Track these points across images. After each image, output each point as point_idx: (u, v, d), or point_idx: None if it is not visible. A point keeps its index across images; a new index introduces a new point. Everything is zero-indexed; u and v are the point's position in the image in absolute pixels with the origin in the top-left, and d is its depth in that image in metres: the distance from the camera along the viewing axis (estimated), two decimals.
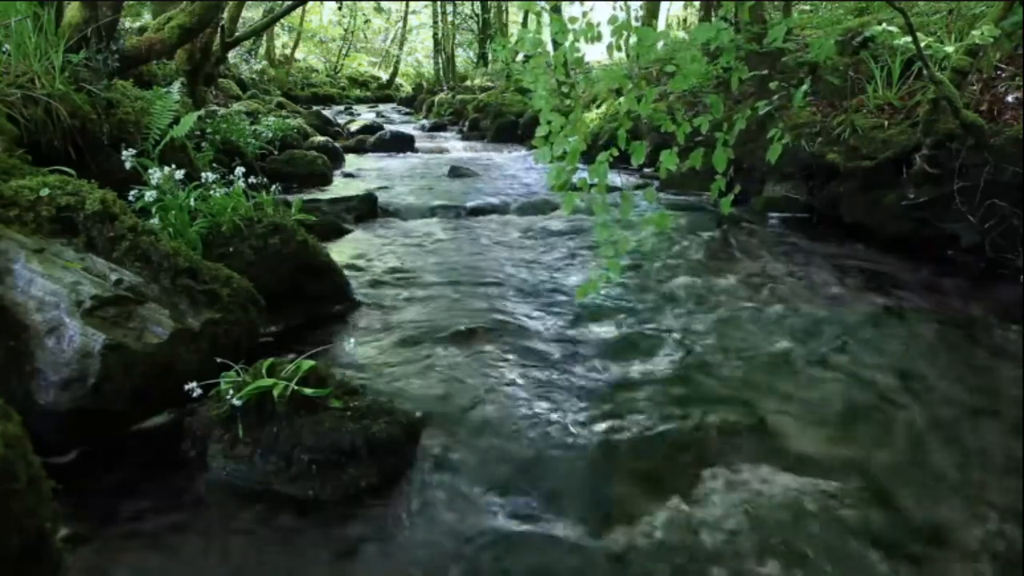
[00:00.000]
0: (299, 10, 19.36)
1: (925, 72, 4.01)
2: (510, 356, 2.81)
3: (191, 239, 2.86)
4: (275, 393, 1.98)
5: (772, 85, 2.65)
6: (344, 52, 27.10)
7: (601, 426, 2.28)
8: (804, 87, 2.42)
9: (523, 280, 3.88)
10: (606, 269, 2.30)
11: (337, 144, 8.76)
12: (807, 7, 9.23)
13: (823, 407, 2.42)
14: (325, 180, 6.75)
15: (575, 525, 1.79)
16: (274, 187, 3.59)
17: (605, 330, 3.10)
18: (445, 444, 2.15)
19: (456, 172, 7.64)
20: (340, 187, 6.58)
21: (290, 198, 4.22)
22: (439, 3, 21.29)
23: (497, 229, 5.21)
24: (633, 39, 2.18)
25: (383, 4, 27.30)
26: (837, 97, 5.37)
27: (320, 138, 8.46)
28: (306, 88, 20.07)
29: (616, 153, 2.29)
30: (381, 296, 3.54)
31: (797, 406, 2.43)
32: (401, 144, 10.16)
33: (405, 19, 26.85)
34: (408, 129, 12.04)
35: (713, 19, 7.81)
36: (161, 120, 3.70)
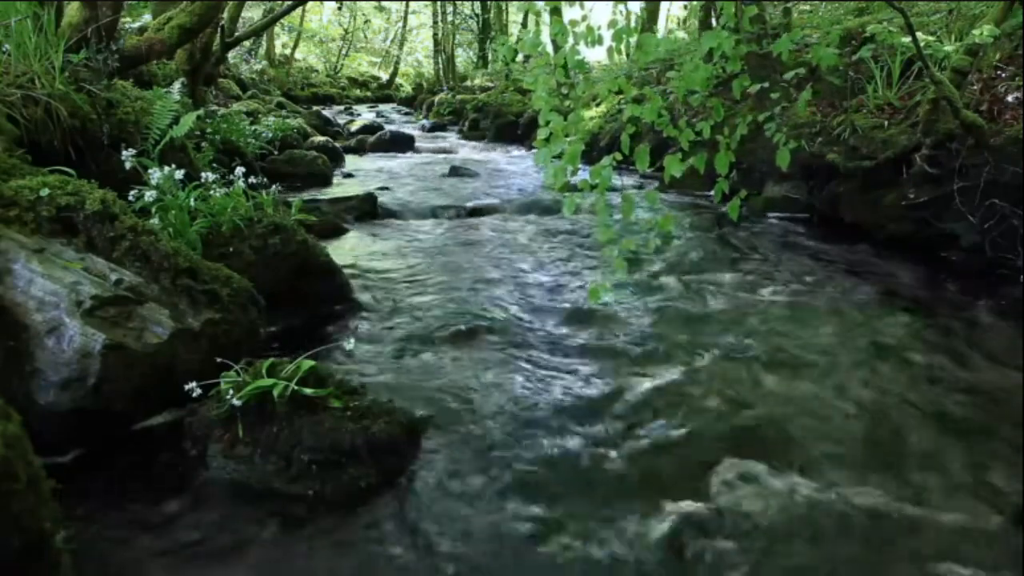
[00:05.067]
0: (299, 10, 19.37)
1: (925, 72, 4.01)
2: (511, 356, 2.81)
3: (191, 239, 2.86)
4: (275, 393, 1.98)
5: (773, 95, 2.66)
6: (344, 52, 27.11)
7: (603, 426, 2.28)
8: (806, 94, 2.42)
9: (523, 280, 3.88)
10: (613, 271, 2.30)
11: (337, 144, 8.76)
12: (807, 7, 9.23)
13: (824, 407, 2.43)
14: (325, 180, 6.74)
15: (576, 525, 1.79)
16: (274, 187, 3.59)
17: (605, 329, 3.10)
18: (445, 444, 2.15)
19: (456, 172, 7.64)
20: (340, 187, 6.58)
21: (290, 198, 4.21)
22: (439, 3, 21.30)
23: (497, 229, 5.21)
24: (633, 40, 2.18)
25: (383, 4, 27.32)
26: (837, 97, 5.37)
27: (320, 138, 8.46)
28: (306, 88, 20.08)
29: (620, 158, 2.29)
30: (381, 296, 3.54)
31: (799, 406, 2.43)
32: (401, 144, 10.16)
33: (405, 19, 26.87)
34: (408, 129, 12.05)
35: (713, 21, 7.80)
36: (161, 120, 3.70)
